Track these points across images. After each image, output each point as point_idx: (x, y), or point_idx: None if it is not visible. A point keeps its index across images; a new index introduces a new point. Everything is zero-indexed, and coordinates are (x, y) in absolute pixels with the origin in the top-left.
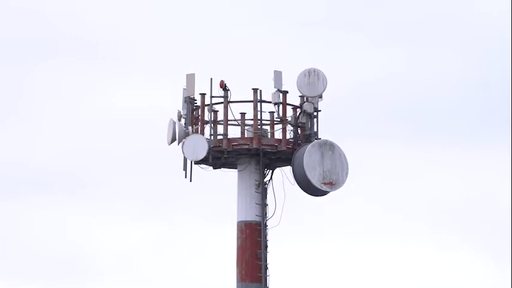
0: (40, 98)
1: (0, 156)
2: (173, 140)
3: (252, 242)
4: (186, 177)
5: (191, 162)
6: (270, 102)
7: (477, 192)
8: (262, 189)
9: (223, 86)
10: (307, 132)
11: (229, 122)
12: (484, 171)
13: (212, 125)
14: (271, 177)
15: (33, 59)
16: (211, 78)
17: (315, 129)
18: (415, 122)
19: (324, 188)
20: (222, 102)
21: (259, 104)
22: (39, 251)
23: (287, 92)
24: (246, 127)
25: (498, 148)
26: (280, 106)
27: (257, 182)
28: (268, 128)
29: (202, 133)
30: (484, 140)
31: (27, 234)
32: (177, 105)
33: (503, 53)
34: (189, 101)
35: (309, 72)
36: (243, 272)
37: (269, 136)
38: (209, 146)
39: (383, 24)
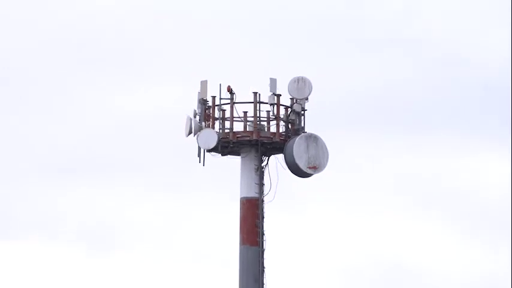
0: (80, 97)
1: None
2: (190, 132)
3: (252, 214)
4: (200, 162)
5: (204, 150)
6: (267, 103)
7: (449, 175)
8: (260, 172)
9: (229, 90)
10: (296, 127)
11: (234, 119)
12: (456, 157)
13: (221, 121)
14: (267, 163)
15: (74, 62)
16: (220, 84)
17: (302, 125)
18: (385, 118)
19: (309, 171)
20: (228, 103)
21: (258, 104)
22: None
23: (280, 95)
24: (247, 123)
25: (470, 134)
26: (275, 106)
27: (256, 167)
28: (265, 123)
29: (213, 127)
30: (456, 126)
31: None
32: (192, 105)
33: None
34: (202, 102)
35: (297, 79)
36: (245, 237)
37: (266, 130)
38: (218, 138)
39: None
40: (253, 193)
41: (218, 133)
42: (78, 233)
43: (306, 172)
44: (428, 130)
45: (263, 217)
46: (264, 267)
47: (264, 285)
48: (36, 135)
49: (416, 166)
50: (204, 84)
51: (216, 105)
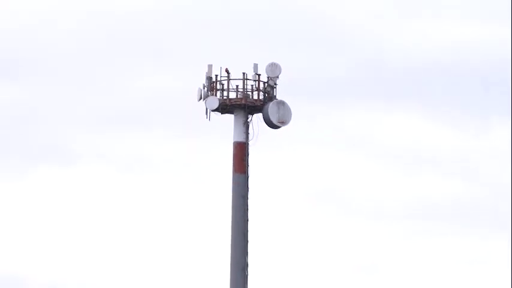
0: (111, 78)
1: None
2: (200, 98)
3: (241, 152)
4: (206, 118)
5: (209, 110)
6: (251, 79)
7: None
8: (246, 125)
9: (227, 71)
10: (271, 95)
11: (230, 90)
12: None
13: (221, 91)
14: (251, 119)
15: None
16: (220, 67)
17: (275, 94)
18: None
19: (279, 124)
20: (226, 79)
21: (245, 80)
22: None
23: (260, 74)
24: (238, 92)
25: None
26: (257, 82)
27: (244, 121)
28: (250, 93)
29: (216, 95)
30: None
31: None
32: (201, 81)
33: None
34: (209, 79)
35: (271, 64)
36: (236, 167)
37: (251, 97)
38: (219, 102)
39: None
40: (242, 139)
41: (219, 99)
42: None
43: (276, 125)
44: (359, 98)
45: (248, 154)
46: (248, 188)
47: (248, 199)
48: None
49: (353, 123)
50: (210, 67)
51: (218, 81)
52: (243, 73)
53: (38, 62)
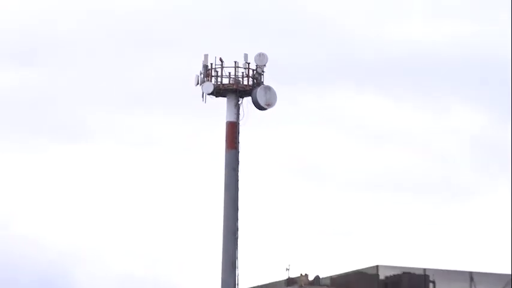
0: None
1: None
2: (197, 83)
3: (233, 130)
4: (203, 101)
5: (205, 94)
6: (242, 67)
7: None
8: (237, 107)
9: (220, 60)
10: (259, 81)
11: (223, 76)
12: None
13: (215, 77)
14: (241, 102)
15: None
16: (215, 57)
17: (262, 80)
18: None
19: (266, 106)
20: (220, 67)
21: (236, 68)
22: None
23: (249, 63)
24: (231, 78)
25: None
26: (247, 69)
27: (235, 104)
28: (241, 79)
29: (211, 81)
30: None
31: None
32: (198, 68)
33: None
34: (205, 66)
35: (260, 54)
36: (228, 143)
37: (241, 83)
38: (214, 87)
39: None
40: (233, 119)
41: (214, 84)
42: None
43: (264, 107)
44: (334, 83)
45: (239, 132)
46: (238, 162)
47: (239, 172)
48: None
49: (330, 105)
50: (206, 56)
51: (213, 69)
52: (235, 62)
53: (54, 50)
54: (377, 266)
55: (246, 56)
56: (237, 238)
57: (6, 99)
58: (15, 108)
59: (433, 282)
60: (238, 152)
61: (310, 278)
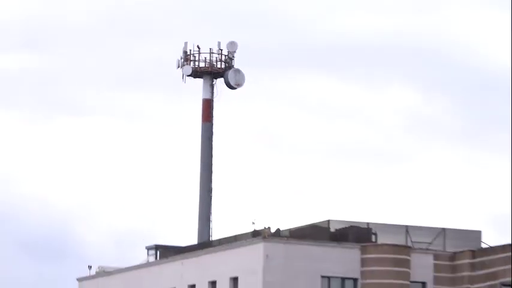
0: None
1: None
2: (178, 66)
3: (208, 106)
4: (183, 81)
5: (185, 75)
6: (216, 53)
7: None
8: (212, 86)
9: (198, 47)
10: (230, 65)
11: (200, 61)
12: None
13: (193, 61)
14: (215, 82)
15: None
16: (193, 44)
17: (233, 64)
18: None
19: (236, 86)
20: (197, 53)
21: (211, 54)
22: None
23: (222, 49)
24: (206, 62)
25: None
26: (220, 55)
27: (210, 84)
28: (215, 63)
29: (189, 64)
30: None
31: None
32: (179, 53)
33: None
34: (185, 52)
35: (231, 42)
36: (204, 117)
37: (215, 66)
38: (192, 69)
39: None
40: (208, 96)
41: (192, 67)
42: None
43: (234, 87)
44: (294, 66)
45: (213, 108)
46: (212, 132)
47: (213, 141)
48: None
49: (290, 85)
50: (185, 44)
51: (191, 54)
52: (210, 48)
53: (55, 37)
54: (328, 221)
55: (219, 43)
56: (211, 196)
57: (18, 79)
58: (26, 85)
59: (375, 234)
60: (212, 125)
61: (272, 230)
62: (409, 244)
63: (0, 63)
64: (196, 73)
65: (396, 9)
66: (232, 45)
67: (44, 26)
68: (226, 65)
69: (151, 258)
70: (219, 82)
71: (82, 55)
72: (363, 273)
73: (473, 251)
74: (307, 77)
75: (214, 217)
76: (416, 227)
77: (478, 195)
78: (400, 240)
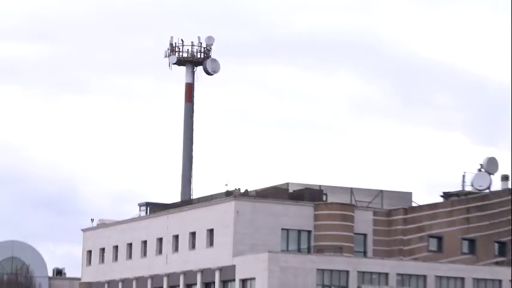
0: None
1: None
2: (165, 56)
3: (189, 89)
4: (169, 68)
5: (171, 63)
6: (196, 45)
7: None
8: (193, 73)
9: (182, 40)
10: (208, 55)
11: (183, 52)
12: None
13: (178, 52)
14: (196, 69)
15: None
16: (178, 38)
17: (211, 55)
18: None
19: (213, 73)
20: (181, 45)
21: (192, 46)
22: None
23: (202, 43)
24: (188, 53)
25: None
26: (200, 47)
27: (191, 70)
28: (196, 54)
29: (175, 55)
30: None
31: None
32: (167, 45)
33: None
34: (171, 44)
35: (209, 36)
36: (186, 98)
37: (196, 56)
38: (177, 59)
39: None
40: (190, 81)
41: (177, 57)
42: None
43: (211, 73)
44: (258, 56)
45: (194, 90)
46: (193, 110)
47: (194, 118)
48: None
49: (255, 72)
50: (171, 37)
51: (176, 46)
52: (191, 42)
53: (63, 28)
54: (287, 183)
55: (199, 37)
56: (192, 163)
57: (35, 63)
58: (40, 69)
59: (326, 194)
60: (193, 104)
61: (242, 191)
62: (353, 203)
63: (21, 51)
64: (180, 62)
65: (343, 10)
66: (210, 39)
67: (55, 21)
68: (205, 55)
69: (143, 213)
70: (199, 69)
71: (86, 46)
72: (315, 226)
73: (405, 209)
74: (271, 65)
75: (194, 180)
76: (359, 189)
77: (409, 163)
78: (346, 199)
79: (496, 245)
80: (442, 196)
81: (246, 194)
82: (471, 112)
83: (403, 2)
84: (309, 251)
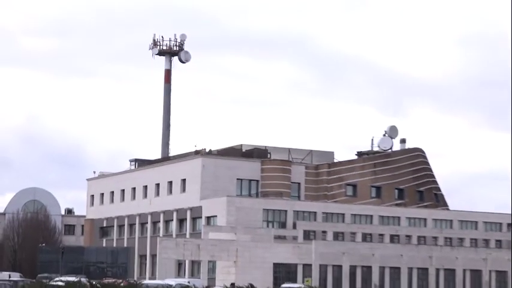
0: (114, 32)
1: None
2: (150, 49)
3: (168, 74)
4: (152, 57)
5: (154, 54)
6: (173, 41)
7: None
8: (170, 61)
9: (162, 37)
10: (182, 48)
11: (164, 46)
12: None
13: (159, 45)
14: (172, 59)
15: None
16: (159, 35)
17: (183, 48)
18: None
19: (185, 61)
20: (162, 40)
21: (170, 41)
22: None
23: (177, 39)
24: (167, 46)
25: None
26: (177, 42)
27: (169, 59)
28: (173, 47)
29: (157, 47)
30: None
31: None
32: (150, 41)
33: None
34: (154, 40)
35: (182, 34)
36: (165, 80)
37: (172, 49)
38: (158, 50)
39: None
40: (168, 67)
41: (158, 49)
42: None
43: (184, 61)
44: (228, 47)
45: (171, 74)
46: (171, 90)
47: (171, 96)
48: None
49: (222, 65)
50: (154, 34)
51: (158, 41)
52: (169, 38)
53: (73, 25)
54: (241, 145)
55: (175, 35)
56: (170, 129)
57: (49, 52)
58: (53, 57)
59: (269, 153)
60: (171, 85)
61: (207, 150)
62: (290, 159)
63: (39, 44)
64: (160, 53)
65: (285, 13)
66: (183, 36)
67: (64, 19)
68: (179, 48)
69: (132, 167)
70: (175, 59)
71: (89, 40)
72: (262, 177)
73: (329, 164)
74: (228, 55)
75: (171, 142)
76: (295, 149)
77: (332, 129)
78: (284, 157)
79: (396, 191)
80: (356, 154)
81: (210, 153)
82: (379, 92)
83: (329, 8)
84: (257, 195)
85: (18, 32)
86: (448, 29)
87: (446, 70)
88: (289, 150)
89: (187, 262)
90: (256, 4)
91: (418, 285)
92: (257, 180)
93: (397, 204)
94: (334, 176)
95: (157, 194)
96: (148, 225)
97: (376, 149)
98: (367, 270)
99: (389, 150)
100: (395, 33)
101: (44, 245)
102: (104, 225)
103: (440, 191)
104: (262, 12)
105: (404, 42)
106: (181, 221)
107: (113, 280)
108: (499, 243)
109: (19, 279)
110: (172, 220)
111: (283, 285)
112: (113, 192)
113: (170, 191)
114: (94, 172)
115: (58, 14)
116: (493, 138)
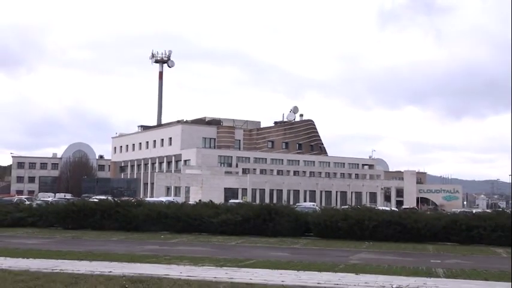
0: (118, 30)
1: None
2: (150, 58)
3: (161, 75)
4: (151, 64)
5: (152, 62)
6: (163, 54)
7: None
8: (162, 66)
9: (157, 51)
10: (169, 57)
11: (157, 56)
12: None
13: (156, 56)
14: (164, 65)
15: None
16: (156, 50)
17: (171, 57)
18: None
19: (171, 67)
20: (157, 53)
21: (162, 54)
22: None
23: (166, 52)
24: (160, 57)
25: None
26: (166, 54)
27: (161, 65)
28: (163, 57)
29: (154, 58)
30: None
31: None
32: (149, 53)
33: None
34: (152, 53)
35: (169, 50)
36: (159, 78)
37: (163, 58)
38: (155, 60)
39: None
40: (161, 70)
41: (155, 59)
42: None
43: (170, 67)
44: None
45: (163, 75)
46: (163, 84)
47: (163, 89)
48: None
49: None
50: (152, 50)
51: (155, 54)
52: (162, 52)
53: (90, 40)
54: (205, 117)
55: (165, 50)
56: (162, 107)
57: (88, 59)
58: (90, 62)
59: (221, 121)
60: (163, 80)
61: (184, 120)
62: (234, 125)
63: (81, 54)
64: (156, 61)
65: (229, 35)
66: (170, 51)
67: (96, 40)
68: (168, 58)
69: (139, 130)
70: (165, 65)
71: (112, 52)
72: (217, 137)
73: (257, 129)
74: (198, 63)
75: (163, 115)
76: (238, 120)
77: (259, 108)
78: (231, 124)
79: (297, 145)
80: (274, 123)
81: (186, 122)
82: (287, 85)
83: (258, 31)
84: (214, 147)
85: (69, 46)
86: (330, 48)
87: (328, 74)
88: (233, 120)
89: (172, 187)
90: (214, 29)
91: (309, 201)
92: (214, 138)
93: (297, 153)
94: (260, 136)
95: (154, 146)
96: (149, 165)
97: (285, 120)
98: (279, 192)
99: (293, 120)
100: (298, 49)
101: (85, 177)
102: (122, 165)
103: (323, 144)
104: (217, 34)
105: (303, 55)
106: (169, 163)
107: (127, 198)
108: (356, 176)
109: (71, 197)
110: (163, 162)
111: (230, 201)
112: (127, 145)
113: (162, 145)
114: (116, 133)
115: (92, 35)
116: (356, 115)
